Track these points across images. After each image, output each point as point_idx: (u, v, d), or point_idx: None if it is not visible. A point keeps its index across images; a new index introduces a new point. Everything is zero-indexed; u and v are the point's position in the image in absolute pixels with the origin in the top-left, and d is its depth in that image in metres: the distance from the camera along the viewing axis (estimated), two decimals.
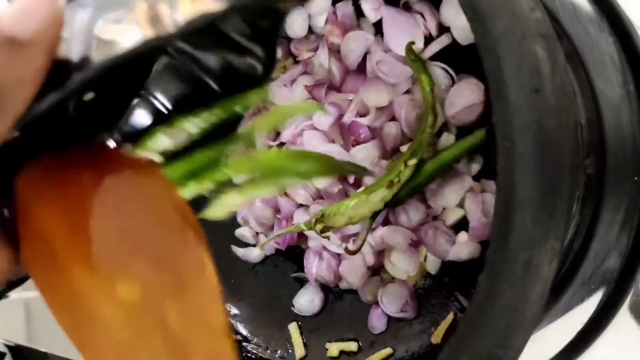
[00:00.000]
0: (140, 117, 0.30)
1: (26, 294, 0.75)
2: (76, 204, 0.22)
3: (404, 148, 0.43)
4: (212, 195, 0.32)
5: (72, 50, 0.20)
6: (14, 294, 0.67)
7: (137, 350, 0.21)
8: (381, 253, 0.45)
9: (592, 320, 0.43)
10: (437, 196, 0.41)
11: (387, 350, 0.44)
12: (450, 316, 0.42)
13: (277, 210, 0.50)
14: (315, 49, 0.48)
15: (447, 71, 0.42)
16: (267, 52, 0.28)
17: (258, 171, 0.32)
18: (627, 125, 0.43)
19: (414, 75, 0.43)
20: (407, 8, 0.44)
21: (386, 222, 0.45)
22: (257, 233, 0.52)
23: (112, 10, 0.20)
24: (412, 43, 0.42)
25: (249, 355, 0.49)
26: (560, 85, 0.27)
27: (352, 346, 0.46)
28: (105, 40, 0.19)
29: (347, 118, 0.44)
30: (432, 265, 0.44)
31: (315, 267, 0.47)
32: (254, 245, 0.53)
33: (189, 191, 0.30)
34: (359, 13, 0.46)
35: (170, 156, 0.29)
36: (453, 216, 0.43)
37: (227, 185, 0.32)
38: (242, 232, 0.53)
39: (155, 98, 0.30)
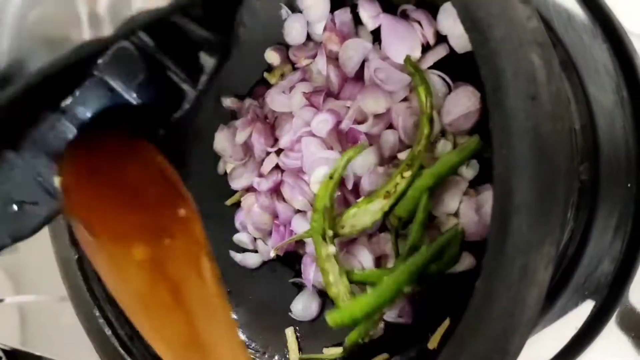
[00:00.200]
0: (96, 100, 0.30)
1: (21, 298, 0.75)
2: (100, 184, 0.28)
3: (401, 155, 0.44)
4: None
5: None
6: (9, 298, 0.66)
7: (152, 300, 0.27)
8: (379, 259, 0.45)
9: (586, 325, 0.43)
10: (437, 204, 0.42)
11: (384, 356, 0.45)
12: (447, 322, 0.42)
13: (275, 215, 0.50)
14: (314, 56, 0.49)
15: (444, 79, 0.43)
16: (223, 38, 0.29)
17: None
18: (620, 132, 0.43)
19: (412, 83, 0.43)
20: (405, 16, 0.44)
21: (383, 229, 0.45)
22: (255, 238, 0.52)
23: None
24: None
25: None
26: (556, 93, 0.27)
27: None
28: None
29: (345, 125, 0.45)
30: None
31: (312, 272, 0.48)
32: (252, 251, 0.53)
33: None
34: (357, 21, 0.47)
35: None
36: (447, 224, 0.43)
37: None
38: (240, 238, 0.53)
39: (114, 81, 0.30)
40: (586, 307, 0.44)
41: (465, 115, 0.41)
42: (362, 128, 0.44)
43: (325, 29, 0.47)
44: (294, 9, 0.50)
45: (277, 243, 0.49)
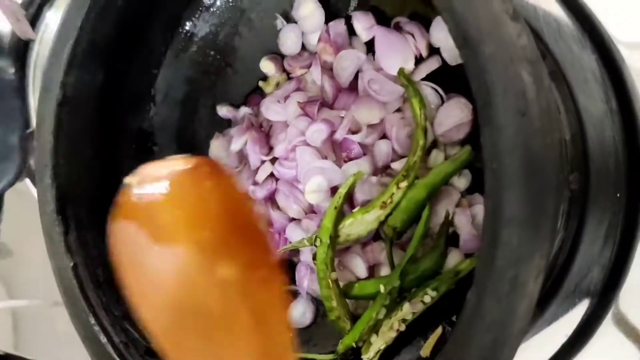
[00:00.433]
0: None
1: (14, 302, 0.75)
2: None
3: (394, 165, 0.44)
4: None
5: None
6: (2, 303, 0.66)
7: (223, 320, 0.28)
8: (372, 267, 0.46)
9: (576, 332, 0.44)
10: (431, 215, 0.42)
11: None
12: (439, 330, 0.42)
13: (269, 223, 0.50)
14: (309, 66, 0.49)
15: (436, 90, 0.44)
16: None
17: None
18: (609, 141, 0.44)
19: (405, 94, 0.44)
20: (398, 28, 0.45)
21: (376, 237, 0.46)
22: None
23: None
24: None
25: None
26: (546, 108, 0.28)
27: None
28: None
29: (339, 135, 0.45)
30: None
31: (307, 280, 0.48)
32: None
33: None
34: (351, 32, 0.48)
35: None
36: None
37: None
38: None
39: None
40: (576, 314, 0.44)
41: (457, 126, 0.42)
42: (356, 138, 0.45)
43: (319, 39, 0.48)
44: (289, 19, 0.51)
45: None
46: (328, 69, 0.48)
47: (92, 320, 0.44)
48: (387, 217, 0.43)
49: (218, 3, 0.51)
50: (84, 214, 0.47)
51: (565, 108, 0.44)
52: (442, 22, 0.42)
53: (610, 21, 0.44)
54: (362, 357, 0.43)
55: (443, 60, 0.44)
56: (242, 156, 0.52)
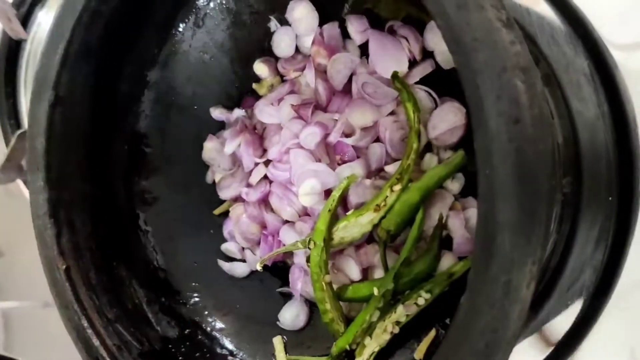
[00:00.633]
0: None
1: (4, 304, 0.74)
2: None
3: (388, 168, 0.44)
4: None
5: None
6: None
7: None
8: (366, 270, 0.46)
9: (569, 334, 0.44)
10: (425, 218, 0.42)
11: None
12: (433, 332, 0.42)
13: (263, 225, 0.50)
14: (302, 69, 0.49)
15: (430, 94, 0.44)
16: None
17: None
18: (602, 145, 0.44)
19: (399, 97, 0.44)
20: (392, 32, 0.45)
21: (370, 240, 0.46)
22: (243, 248, 0.53)
23: None
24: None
25: None
26: (539, 115, 0.28)
27: None
28: None
29: (333, 138, 0.45)
30: None
31: (300, 282, 0.48)
32: (240, 260, 0.53)
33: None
34: (345, 35, 0.48)
35: None
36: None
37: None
38: (228, 247, 0.53)
39: None
40: (569, 317, 0.44)
41: (451, 130, 0.42)
42: (349, 141, 0.45)
43: (313, 42, 0.48)
44: (283, 21, 0.51)
45: (266, 253, 0.49)
46: (322, 72, 0.48)
47: (85, 323, 0.44)
48: (380, 219, 0.43)
49: (211, 5, 0.51)
50: (77, 217, 0.47)
51: (558, 112, 0.44)
52: (436, 26, 0.42)
53: (604, 24, 0.44)
54: (356, 359, 0.43)
55: (437, 64, 0.44)
56: (235, 158, 0.52)
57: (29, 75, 0.75)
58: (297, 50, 0.50)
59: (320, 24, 0.48)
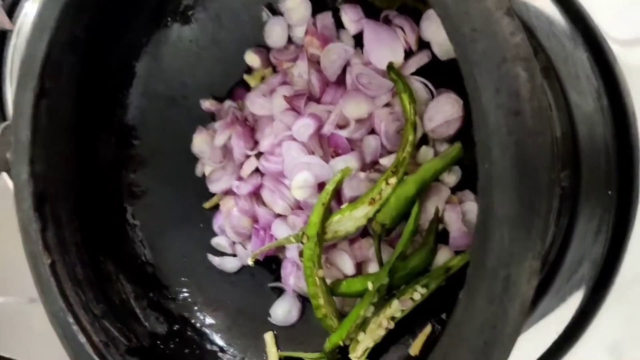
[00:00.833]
0: None
1: None
2: None
3: (383, 161, 0.43)
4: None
5: None
6: None
7: None
8: (360, 264, 0.45)
9: (568, 328, 0.44)
10: (420, 212, 0.42)
11: None
12: (428, 328, 0.42)
13: (254, 219, 0.49)
14: (295, 59, 0.48)
15: (426, 85, 0.43)
16: None
17: None
18: (600, 138, 0.43)
19: (394, 88, 0.43)
20: (387, 22, 0.44)
21: (364, 234, 0.45)
22: (234, 242, 0.52)
23: None
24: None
25: None
26: (539, 107, 0.27)
27: None
28: None
29: (327, 129, 0.44)
30: None
31: (292, 277, 0.47)
32: (231, 255, 0.52)
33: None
34: (339, 25, 0.47)
35: None
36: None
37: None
38: (219, 241, 0.52)
39: None
40: (567, 310, 0.44)
41: (447, 122, 0.41)
42: (343, 133, 0.44)
43: (306, 32, 0.47)
44: (275, 11, 0.50)
45: (257, 247, 0.48)
46: (315, 63, 0.47)
47: (71, 319, 0.43)
48: (375, 213, 0.42)
49: None
50: (62, 211, 0.46)
51: (557, 105, 0.43)
52: (433, 15, 0.42)
53: (603, 18, 0.43)
54: (350, 356, 0.42)
55: (433, 55, 0.43)
56: (226, 151, 0.51)
57: (15, 67, 0.74)
58: (290, 40, 0.49)
59: (313, 14, 0.47)
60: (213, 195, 0.53)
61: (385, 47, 0.42)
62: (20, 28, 0.73)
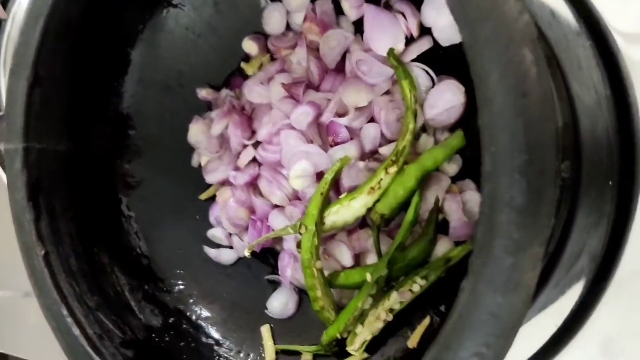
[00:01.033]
0: None
1: None
2: None
3: (383, 150, 0.43)
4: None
5: None
6: None
7: None
8: (358, 256, 0.45)
9: (567, 322, 0.43)
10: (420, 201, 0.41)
11: (362, 355, 0.44)
12: (427, 320, 0.41)
13: (251, 210, 0.49)
14: (293, 47, 0.47)
15: (427, 72, 0.42)
16: None
17: None
18: (602, 130, 0.43)
19: (394, 75, 0.42)
20: (388, 7, 0.43)
21: (363, 224, 0.44)
22: (231, 234, 0.51)
23: None
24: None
25: (220, 358, 0.48)
26: (547, 90, 0.26)
27: None
28: None
29: (326, 118, 0.44)
30: None
31: (290, 269, 0.47)
32: (227, 247, 0.52)
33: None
34: (339, 11, 0.46)
35: None
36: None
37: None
38: (215, 233, 0.52)
39: None
40: (566, 303, 0.44)
41: (448, 109, 0.40)
42: (343, 121, 0.43)
43: (305, 18, 0.46)
44: None
45: (254, 239, 0.48)
46: (314, 50, 0.46)
47: (65, 312, 0.42)
48: (375, 203, 0.41)
49: None
50: (57, 201, 0.45)
51: (559, 95, 0.43)
52: (434, 0, 0.41)
53: (607, 10, 0.43)
54: (348, 349, 0.42)
55: (435, 41, 0.42)
56: (223, 140, 0.50)
57: (9, 56, 0.73)
58: (288, 27, 0.49)
59: (312, 0, 0.46)
60: (209, 186, 0.53)
61: (386, 33, 0.42)
62: (15, 17, 0.72)
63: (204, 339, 0.49)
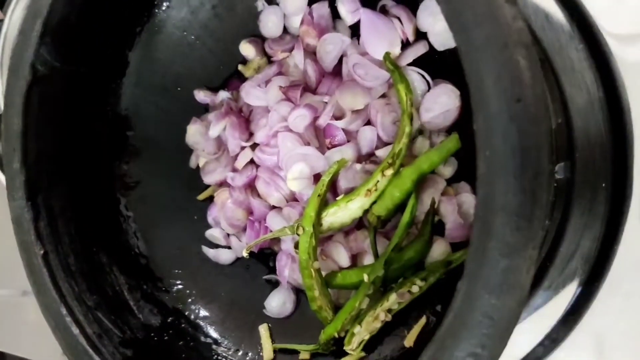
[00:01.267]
0: None
1: None
2: None
3: (379, 152, 0.43)
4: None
5: None
6: None
7: None
8: (355, 256, 0.45)
9: (560, 322, 0.44)
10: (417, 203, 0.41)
11: (360, 354, 0.44)
12: (423, 320, 0.42)
13: (249, 211, 0.49)
14: (291, 50, 0.48)
15: (423, 76, 0.42)
16: None
17: None
18: (595, 131, 0.43)
19: (391, 79, 0.43)
20: (384, 12, 0.44)
21: (360, 225, 0.45)
22: (229, 234, 0.51)
23: None
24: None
25: (219, 358, 0.48)
26: (541, 94, 0.27)
27: None
28: None
29: (323, 120, 0.44)
30: None
31: (287, 269, 0.47)
32: (225, 247, 0.52)
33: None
34: (336, 15, 0.46)
35: None
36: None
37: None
38: (213, 233, 0.52)
39: None
40: (559, 304, 0.44)
41: (444, 113, 0.41)
42: (339, 124, 0.44)
43: (302, 22, 0.46)
44: (271, 0, 0.49)
45: (252, 239, 0.48)
46: (311, 53, 0.46)
47: (64, 311, 0.43)
48: (371, 205, 0.42)
49: None
50: (55, 201, 0.45)
51: (552, 97, 0.43)
52: (430, 5, 0.41)
53: (599, 12, 0.43)
54: (345, 348, 0.42)
55: (430, 45, 0.43)
56: (220, 142, 0.51)
57: (6, 57, 0.73)
58: (285, 30, 0.49)
59: (310, 3, 0.47)
60: (207, 187, 0.53)
61: (382, 37, 0.42)
62: (11, 17, 0.72)
63: (202, 338, 0.49)
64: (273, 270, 0.49)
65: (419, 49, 0.42)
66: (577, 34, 0.44)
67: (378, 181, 0.41)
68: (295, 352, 0.46)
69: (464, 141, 0.40)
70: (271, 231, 0.47)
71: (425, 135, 0.43)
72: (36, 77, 0.43)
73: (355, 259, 0.45)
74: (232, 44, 0.51)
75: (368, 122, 0.44)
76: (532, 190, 0.26)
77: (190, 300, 0.51)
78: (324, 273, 0.44)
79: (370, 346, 0.43)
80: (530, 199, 0.26)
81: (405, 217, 0.40)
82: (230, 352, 0.49)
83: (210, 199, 0.53)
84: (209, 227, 0.53)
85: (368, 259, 0.44)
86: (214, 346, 0.49)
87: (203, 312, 0.50)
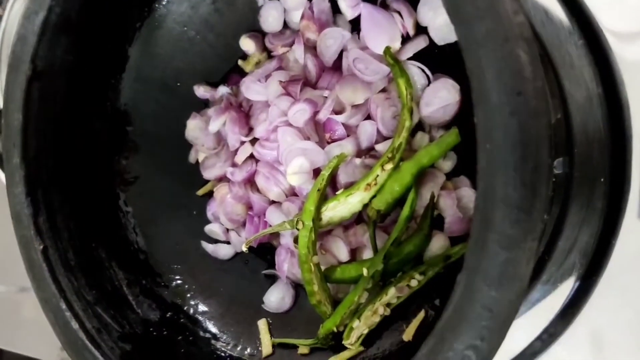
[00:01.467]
0: None
1: None
2: None
3: (379, 146, 0.43)
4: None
5: None
6: None
7: None
8: (354, 251, 0.45)
9: (558, 317, 0.44)
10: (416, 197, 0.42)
11: (359, 348, 0.44)
12: (422, 314, 0.42)
13: (249, 206, 0.49)
14: (291, 44, 0.48)
15: (423, 71, 0.43)
16: None
17: None
18: (594, 127, 0.44)
19: (391, 73, 0.43)
20: (385, 6, 0.44)
21: (359, 220, 0.45)
22: (228, 229, 0.51)
23: None
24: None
25: (217, 352, 0.48)
26: (541, 88, 0.27)
27: None
28: None
29: (323, 115, 0.44)
30: None
31: (286, 264, 0.47)
32: (224, 242, 0.52)
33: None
34: (336, 9, 0.46)
35: None
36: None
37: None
38: (212, 228, 0.52)
39: None
40: (557, 298, 0.44)
41: (444, 107, 0.41)
42: (339, 118, 0.44)
43: (302, 17, 0.46)
44: None
45: (251, 234, 0.48)
46: (311, 47, 0.46)
47: (63, 306, 0.43)
48: (371, 199, 0.42)
49: None
50: (55, 196, 0.45)
51: (551, 92, 0.43)
52: (430, 0, 0.41)
53: (599, 9, 0.43)
54: (344, 342, 0.42)
55: (430, 40, 0.43)
56: (220, 137, 0.51)
57: (5, 52, 0.73)
58: (286, 25, 0.49)
59: None
60: (206, 182, 0.53)
61: (382, 31, 0.42)
62: (10, 12, 0.72)
63: (201, 333, 0.49)
64: (272, 265, 0.49)
65: (419, 44, 0.43)
66: (577, 30, 0.44)
67: (378, 175, 0.41)
68: (294, 347, 0.46)
69: (464, 136, 0.41)
70: (270, 226, 0.47)
71: (425, 129, 0.43)
72: (36, 72, 0.43)
73: (354, 253, 0.45)
74: (232, 39, 0.51)
75: (368, 117, 0.44)
76: (532, 183, 0.27)
77: (189, 295, 0.51)
78: (323, 267, 0.44)
79: (369, 340, 0.43)
80: (530, 192, 0.27)
81: (405, 211, 0.40)
82: (229, 347, 0.49)
83: (210, 194, 0.53)
84: (208, 222, 0.53)
85: (367, 254, 0.44)
86: (212, 341, 0.49)
87: (202, 307, 0.51)
